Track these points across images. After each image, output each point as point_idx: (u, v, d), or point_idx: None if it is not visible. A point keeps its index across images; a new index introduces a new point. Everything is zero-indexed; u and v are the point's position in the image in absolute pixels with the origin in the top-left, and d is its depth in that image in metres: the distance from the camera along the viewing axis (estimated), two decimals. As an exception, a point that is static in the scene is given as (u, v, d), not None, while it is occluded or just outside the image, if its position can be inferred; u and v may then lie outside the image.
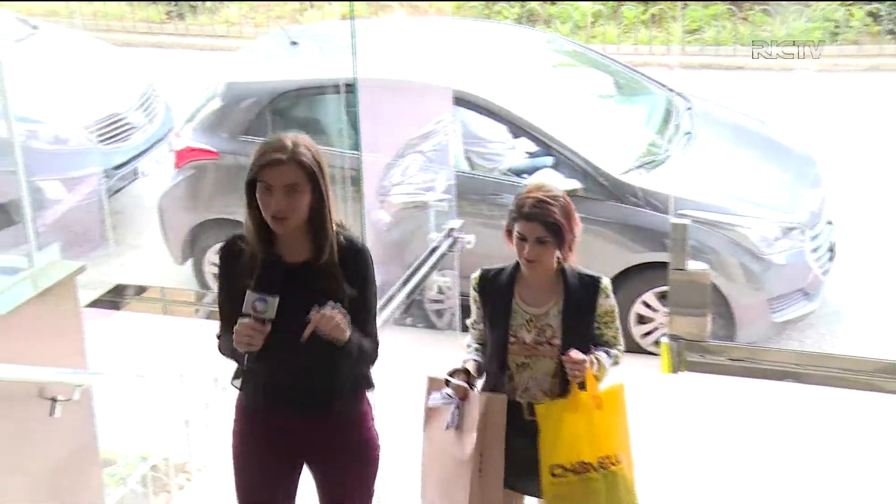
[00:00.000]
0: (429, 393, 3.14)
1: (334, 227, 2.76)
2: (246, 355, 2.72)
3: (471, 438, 3.07)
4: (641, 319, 5.48)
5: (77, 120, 6.65)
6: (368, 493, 3.03)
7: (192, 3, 10.25)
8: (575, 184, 5.42)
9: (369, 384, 2.96)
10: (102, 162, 6.48)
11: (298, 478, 3.04)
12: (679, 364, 3.77)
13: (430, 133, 5.64)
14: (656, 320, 5.41)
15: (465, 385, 3.04)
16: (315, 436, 2.86)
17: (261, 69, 6.48)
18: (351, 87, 4.59)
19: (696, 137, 5.98)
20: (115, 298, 5.34)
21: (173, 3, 10.36)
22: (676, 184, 5.49)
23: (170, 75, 8.24)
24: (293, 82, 5.97)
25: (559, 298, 3.09)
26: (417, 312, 5.64)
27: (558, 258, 3.07)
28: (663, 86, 6.51)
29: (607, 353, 3.11)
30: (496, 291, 3.14)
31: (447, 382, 3.02)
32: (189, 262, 6.12)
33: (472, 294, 3.16)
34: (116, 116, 6.89)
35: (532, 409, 3.05)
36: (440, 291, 5.27)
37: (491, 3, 9.82)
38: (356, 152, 4.67)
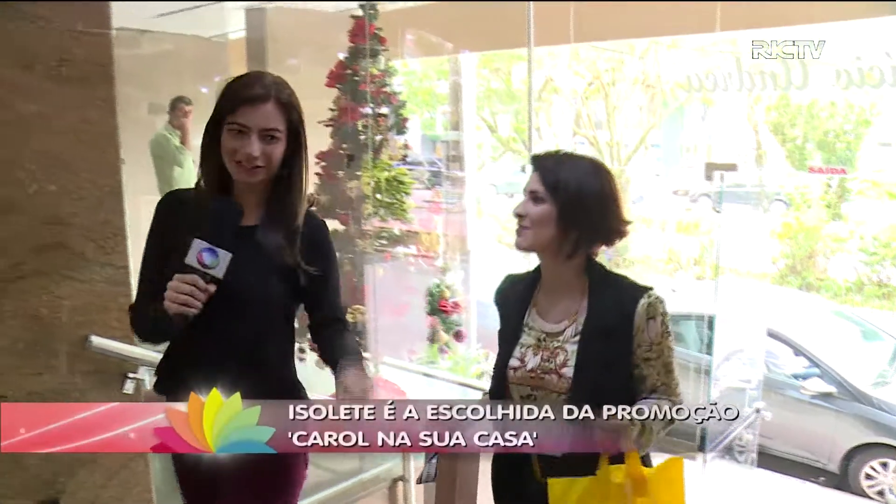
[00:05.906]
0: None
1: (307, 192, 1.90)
2: (171, 324, 1.73)
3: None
4: (868, 476, 6.31)
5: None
6: None
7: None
8: (832, 389, 6.38)
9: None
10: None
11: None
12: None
13: (742, 350, 6.18)
14: (878, 479, 6.29)
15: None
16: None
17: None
18: (710, 320, 5.52)
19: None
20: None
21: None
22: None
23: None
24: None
25: (581, 313, 1.89)
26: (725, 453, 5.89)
27: (589, 255, 1.90)
28: (892, 335, 7.41)
29: (659, 406, 1.78)
30: (512, 300, 1.99)
31: None
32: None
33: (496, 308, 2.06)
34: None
35: (545, 470, 1.83)
36: (740, 440, 5.76)
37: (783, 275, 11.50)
38: (707, 356, 5.54)
